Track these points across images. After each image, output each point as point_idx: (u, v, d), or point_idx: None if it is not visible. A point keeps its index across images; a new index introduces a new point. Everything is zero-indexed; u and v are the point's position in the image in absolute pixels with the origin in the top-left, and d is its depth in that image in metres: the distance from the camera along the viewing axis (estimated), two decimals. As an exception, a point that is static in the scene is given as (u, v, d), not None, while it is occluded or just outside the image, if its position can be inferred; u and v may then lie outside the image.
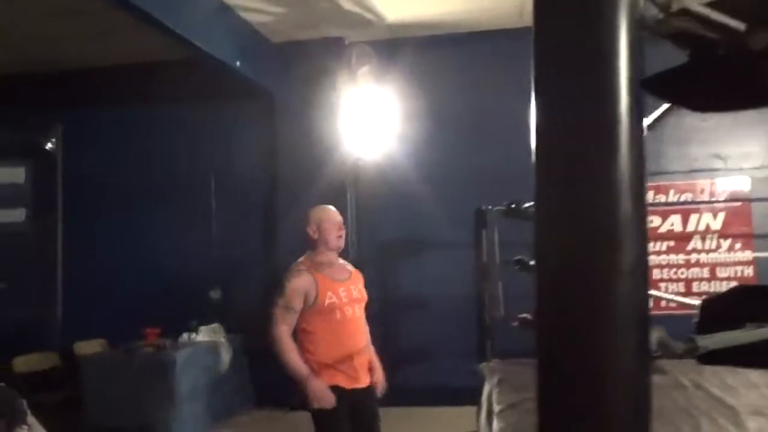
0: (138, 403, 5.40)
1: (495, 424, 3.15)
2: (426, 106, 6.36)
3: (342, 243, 3.63)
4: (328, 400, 3.26)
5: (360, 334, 3.55)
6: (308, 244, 3.61)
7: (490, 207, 5.10)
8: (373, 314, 6.58)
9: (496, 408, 3.45)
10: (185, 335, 6.05)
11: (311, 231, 3.57)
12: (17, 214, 6.86)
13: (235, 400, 6.44)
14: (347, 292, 3.52)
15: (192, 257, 6.82)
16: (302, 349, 3.36)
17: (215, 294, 6.77)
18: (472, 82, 6.35)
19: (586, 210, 0.83)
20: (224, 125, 6.85)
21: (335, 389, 3.31)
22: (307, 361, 3.32)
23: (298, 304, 3.35)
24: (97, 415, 5.40)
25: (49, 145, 6.82)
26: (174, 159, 6.89)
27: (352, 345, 3.45)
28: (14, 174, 6.90)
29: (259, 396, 6.70)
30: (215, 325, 6.27)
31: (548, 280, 0.91)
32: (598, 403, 0.87)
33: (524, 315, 4.63)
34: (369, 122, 6.21)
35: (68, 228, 6.96)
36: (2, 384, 3.48)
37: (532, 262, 4.38)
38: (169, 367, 5.47)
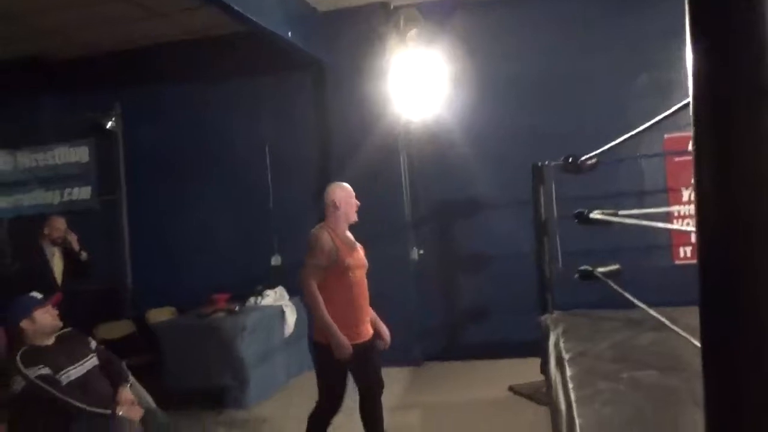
0: (211, 365, 5.67)
1: (568, 370, 3.27)
2: (475, 68, 6.38)
3: (356, 217, 4.02)
4: (348, 354, 3.64)
5: (366, 296, 3.95)
6: (328, 215, 3.94)
7: (546, 162, 5.17)
8: (433, 270, 6.78)
9: (566, 355, 3.56)
10: (252, 300, 6.30)
11: (337, 203, 3.90)
12: (84, 192, 7.16)
13: (301, 361, 6.69)
14: (359, 258, 3.92)
15: (252, 225, 7.04)
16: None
17: (276, 260, 7.00)
18: (522, 43, 6.34)
19: (744, 152, 0.86)
20: (277, 96, 6.98)
21: (324, 347, 3.70)
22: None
23: (324, 262, 3.70)
24: (175, 377, 5.70)
25: (109, 124, 7.05)
26: (229, 131, 7.07)
27: (362, 304, 3.88)
28: (79, 153, 7.18)
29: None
30: (279, 289, 6.51)
31: (710, 227, 0.91)
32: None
33: (584, 267, 4.72)
34: (418, 85, 6.26)
35: (132, 202, 7.23)
36: (102, 347, 3.74)
37: (592, 215, 4.47)
38: (239, 331, 5.71)
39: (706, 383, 0.93)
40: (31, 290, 3.68)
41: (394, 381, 6.05)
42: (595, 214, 4.60)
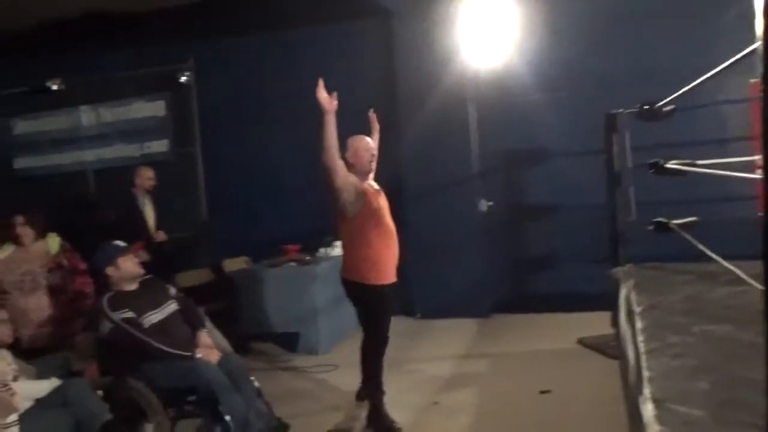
0: (284, 312, 5.88)
1: (637, 323, 3.22)
2: (546, 10, 6.17)
3: (373, 166, 4.16)
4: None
5: (396, 239, 4.02)
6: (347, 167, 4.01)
7: (620, 110, 4.99)
8: (501, 221, 6.73)
9: (637, 309, 3.50)
10: (322, 250, 6.43)
11: (348, 156, 4.06)
12: (162, 145, 7.40)
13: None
14: (384, 201, 4.06)
15: (321, 177, 7.11)
16: (359, 250, 3.90)
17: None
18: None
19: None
20: (344, 44, 6.95)
21: (383, 287, 3.91)
22: (366, 258, 3.87)
23: (350, 187, 3.89)
24: (249, 323, 5.94)
25: (183, 78, 7.22)
26: (299, 81, 7.07)
27: (394, 245, 3.99)
28: (156, 107, 7.40)
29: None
30: (348, 239, 6.60)
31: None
32: None
33: (659, 219, 4.58)
34: (488, 31, 6.11)
35: (207, 154, 7.44)
36: (181, 294, 3.93)
37: (668, 165, 4.31)
38: (311, 280, 5.87)
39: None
40: (126, 238, 3.90)
41: (461, 332, 6.13)
42: (672, 164, 4.43)
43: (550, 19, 6.15)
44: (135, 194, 6.11)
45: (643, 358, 2.72)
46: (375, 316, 4.06)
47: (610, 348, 4.83)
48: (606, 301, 4.75)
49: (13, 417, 2.91)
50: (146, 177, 6.15)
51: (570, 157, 6.26)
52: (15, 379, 3.16)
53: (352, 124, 6.96)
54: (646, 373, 2.55)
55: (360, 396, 4.13)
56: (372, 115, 4.56)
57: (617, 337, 4.14)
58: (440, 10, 6.28)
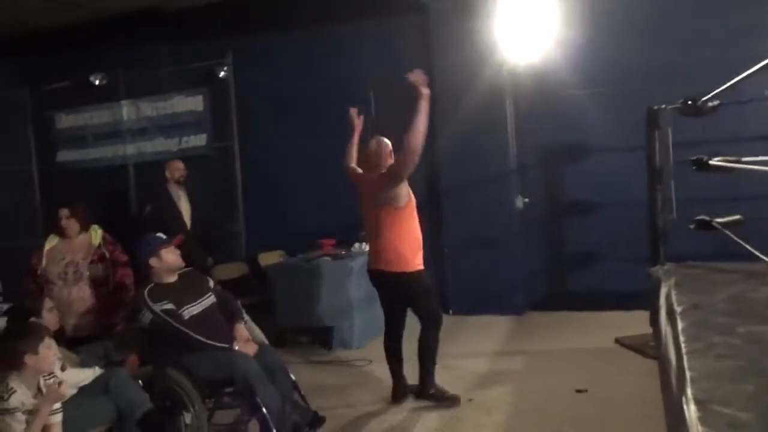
0: (318, 306, 5.91)
1: (679, 323, 3.15)
2: (585, 6, 6.08)
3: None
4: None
5: None
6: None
7: (663, 106, 4.89)
8: (538, 218, 6.67)
9: (678, 308, 3.43)
10: (357, 245, 6.44)
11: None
12: (200, 139, 7.50)
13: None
14: None
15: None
16: (407, 239, 4.22)
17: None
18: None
19: None
20: (382, 41, 6.95)
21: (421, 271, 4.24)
22: (417, 245, 4.25)
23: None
24: (285, 317, 5.99)
25: (222, 73, 7.29)
26: (335, 77, 7.13)
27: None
28: (195, 102, 7.50)
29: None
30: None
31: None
32: None
33: (702, 217, 4.49)
34: (526, 27, 6.03)
35: (244, 149, 7.51)
36: (219, 287, 3.98)
37: (712, 161, 4.22)
38: (345, 274, 5.89)
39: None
40: (162, 231, 3.97)
41: (496, 329, 6.10)
42: (716, 161, 4.33)
43: (590, 13, 6.06)
44: (168, 188, 6.20)
45: (686, 358, 2.67)
46: (430, 300, 4.34)
47: (648, 348, 4.75)
48: (645, 300, 4.67)
49: (58, 404, 2.99)
50: (176, 169, 6.25)
51: (610, 153, 6.16)
52: (62, 368, 3.23)
53: (388, 121, 7.02)
54: (689, 374, 2.50)
55: (428, 392, 4.30)
56: (353, 111, 4.94)
57: (657, 336, 4.07)
58: (478, 4, 6.23)
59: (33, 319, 3.53)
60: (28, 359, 2.91)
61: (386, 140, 4.48)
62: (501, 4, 6.05)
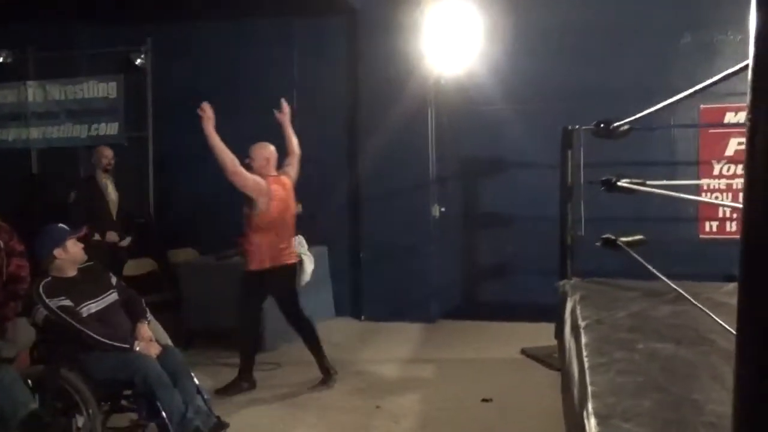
0: (229, 307, 5.72)
1: (582, 338, 3.25)
2: (511, 21, 6.22)
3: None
4: None
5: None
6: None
7: (577, 126, 5.06)
8: (454, 228, 6.74)
9: (582, 323, 3.54)
10: (271, 246, 6.32)
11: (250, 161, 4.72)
12: (112, 128, 7.16)
13: (315, 310, 6.73)
14: None
15: (275, 172, 7.02)
16: None
17: (297, 209, 6.98)
18: (560, -3, 6.18)
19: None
20: (308, 40, 6.88)
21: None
22: None
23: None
24: (193, 317, 5.80)
25: (139, 60, 7.01)
26: (259, 73, 6.99)
27: None
28: (108, 88, 7.16)
29: (339, 306, 7.01)
30: (299, 237, 6.51)
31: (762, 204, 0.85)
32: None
33: (607, 235, 4.66)
34: (452, 39, 6.12)
35: (158, 140, 7.24)
36: (122, 283, 3.79)
37: (620, 182, 4.39)
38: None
39: (739, 361, 0.90)
40: (87, 221, 3.76)
41: (408, 336, 6.12)
42: (623, 182, 4.52)
43: (515, 30, 6.21)
44: (95, 175, 5.95)
45: (588, 372, 2.74)
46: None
47: (552, 360, 4.88)
48: (553, 313, 4.81)
49: None
50: (103, 156, 5.99)
51: (527, 168, 6.32)
52: None
53: (311, 122, 6.95)
54: (590, 388, 2.56)
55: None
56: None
57: (561, 349, 4.19)
58: (407, 12, 6.26)
59: None
60: None
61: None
62: (429, 14, 6.12)
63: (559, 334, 4.32)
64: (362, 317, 6.76)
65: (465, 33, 6.07)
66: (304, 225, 6.82)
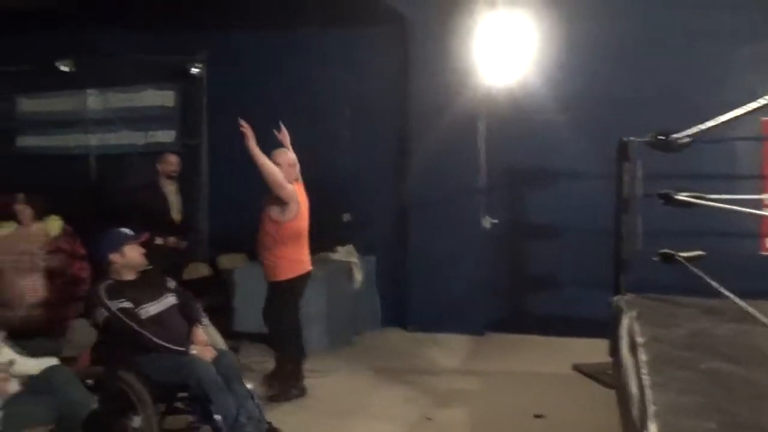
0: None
1: (641, 355, 3.17)
2: (565, 32, 6.14)
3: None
4: None
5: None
6: None
7: (633, 138, 4.96)
8: (503, 239, 6.66)
9: (640, 339, 3.46)
10: (321, 254, 6.37)
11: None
12: (168, 135, 7.33)
13: (363, 319, 6.76)
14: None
15: (326, 180, 7.06)
16: None
17: (347, 217, 7.04)
18: (616, 3, 6.07)
19: None
20: (358, 50, 6.92)
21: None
22: None
23: None
24: (243, 322, 5.86)
25: (195, 70, 7.16)
26: (311, 82, 7.07)
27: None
28: (165, 97, 7.33)
29: (385, 316, 7.00)
30: (349, 246, 6.56)
31: None
32: None
33: (666, 250, 4.56)
34: (505, 48, 6.07)
35: (212, 148, 7.37)
36: (180, 288, 3.87)
37: (678, 196, 4.28)
38: (309, 283, 5.78)
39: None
40: (148, 225, 3.85)
41: (455, 347, 6.08)
42: (682, 196, 4.41)
43: (570, 39, 6.12)
44: (158, 182, 6.09)
45: (648, 391, 2.68)
46: None
47: (606, 376, 4.78)
48: (603, 328, 4.71)
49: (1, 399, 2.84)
50: (168, 163, 6.12)
51: (579, 179, 6.22)
52: (11, 363, 3.07)
53: (361, 131, 7.00)
54: (651, 408, 2.50)
55: None
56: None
57: (616, 366, 4.09)
58: (459, 22, 6.24)
59: None
60: None
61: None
62: (481, 24, 6.09)
63: (614, 350, 4.22)
64: (409, 327, 6.73)
65: (517, 42, 6.02)
66: (352, 233, 6.87)
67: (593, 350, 5.24)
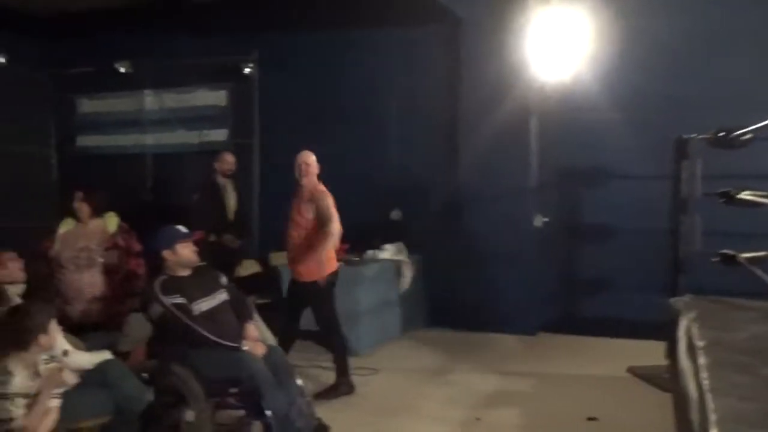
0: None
1: (701, 359, 3.07)
2: (620, 28, 6.00)
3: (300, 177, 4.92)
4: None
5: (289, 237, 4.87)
6: None
7: (693, 135, 4.81)
8: (555, 238, 6.53)
9: (699, 343, 3.35)
10: (370, 252, 6.39)
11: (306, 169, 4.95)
12: (221, 134, 7.46)
13: (414, 317, 6.75)
14: (292, 208, 4.96)
15: (375, 178, 7.09)
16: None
17: (396, 215, 7.03)
18: (673, 2, 5.91)
19: None
20: (409, 48, 6.93)
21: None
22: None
23: None
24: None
25: (247, 69, 7.27)
26: (361, 81, 7.10)
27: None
28: (217, 97, 7.47)
29: (434, 315, 6.97)
30: (399, 244, 6.55)
31: None
32: None
33: (725, 251, 4.41)
34: (558, 45, 5.96)
35: (263, 147, 7.47)
36: (231, 284, 3.92)
37: (740, 195, 4.13)
38: (356, 281, 5.83)
39: None
40: (205, 222, 3.90)
41: (506, 347, 6.00)
42: (745, 195, 4.26)
43: (624, 35, 5.98)
44: (216, 179, 6.18)
45: (708, 397, 2.59)
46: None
47: (662, 380, 4.65)
48: (658, 330, 4.57)
49: (59, 389, 2.92)
50: (225, 161, 6.21)
51: (633, 178, 6.09)
52: (65, 353, 3.16)
53: (410, 129, 6.98)
54: (713, 415, 2.41)
55: None
56: None
57: (673, 370, 3.97)
58: (511, 19, 6.16)
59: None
60: (41, 338, 2.87)
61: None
62: (534, 20, 5.99)
63: (671, 353, 4.09)
64: (459, 326, 6.69)
65: (571, 39, 5.89)
66: (402, 231, 6.86)
67: (648, 352, 5.11)
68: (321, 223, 4.68)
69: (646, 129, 5.87)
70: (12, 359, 2.85)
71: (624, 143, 6.06)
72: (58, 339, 2.97)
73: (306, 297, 4.79)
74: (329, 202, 4.75)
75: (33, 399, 2.82)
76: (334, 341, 4.84)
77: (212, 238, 5.32)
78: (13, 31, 7.67)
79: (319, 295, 4.73)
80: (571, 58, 5.99)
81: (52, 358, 3.04)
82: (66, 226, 4.38)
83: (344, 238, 6.46)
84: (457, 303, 6.70)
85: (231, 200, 6.18)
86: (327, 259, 4.72)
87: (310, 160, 4.91)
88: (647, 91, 5.99)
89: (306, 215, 4.77)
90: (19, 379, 2.83)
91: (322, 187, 4.87)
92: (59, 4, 7.49)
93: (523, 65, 6.12)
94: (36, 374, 2.91)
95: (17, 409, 2.80)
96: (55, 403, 2.93)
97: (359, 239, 6.53)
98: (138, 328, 3.96)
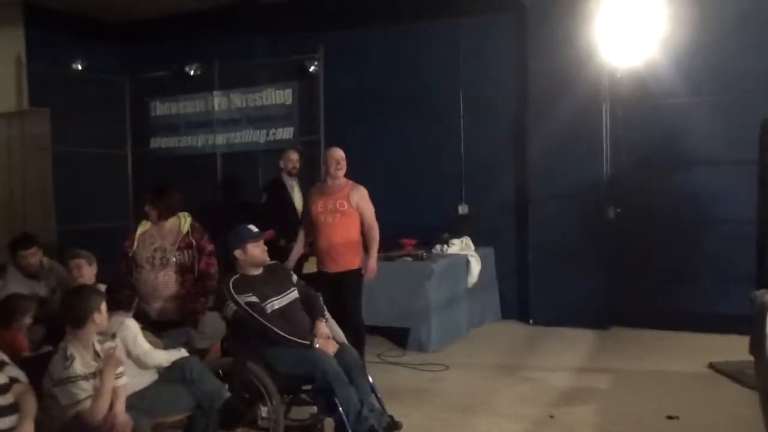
0: (396, 307, 5.82)
1: (791, 356, 2.90)
2: (694, 10, 5.75)
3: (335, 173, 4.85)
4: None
5: (332, 235, 4.72)
6: None
7: (781, 118, 4.55)
8: (629, 230, 6.32)
9: (789, 339, 3.17)
10: (438, 247, 6.35)
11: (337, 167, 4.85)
12: (287, 132, 7.55)
13: (483, 312, 6.68)
14: (324, 206, 4.73)
15: (442, 171, 7.04)
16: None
17: (463, 209, 6.98)
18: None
19: None
20: (475, 39, 6.87)
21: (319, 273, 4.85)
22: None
23: None
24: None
25: (312, 68, 7.33)
26: (426, 75, 7.07)
27: (324, 241, 4.75)
28: (284, 95, 7.55)
29: (505, 309, 6.88)
30: (466, 238, 6.49)
31: None
32: None
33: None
34: (629, 29, 5.73)
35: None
36: (302, 282, 3.96)
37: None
38: (425, 276, 5.80)
39: None
40: (272, 221, 3.93)
41: (580, 342, 5.87)
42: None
43: (700, 15, 5.73)
44: (282, 179, 6.24)
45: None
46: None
47: (746, 376, 4.44)
48: (742, 324, 4.36)
49: (120, 368, 2.98)
50: (289, 160, 6.26)
51: (713, 166, 5.84)
52: (113, 336, 3.23)
53: (477, 122, 6.89)
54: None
55: None
56: None
57: (759, 366, 3.78)
58: (579, 4, 5.99)
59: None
60: (95, 315, 2.97)
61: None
62: (603, 4, 5.79)
63: (756, 348, 3.89)
64: (530, 321, 6.58)
65: (644, 21, 5.65)
66: (469, 225, 6.79)
67: (730, 347, 4.92)
68: (370, 216, 4.81)
69: (726, 113, 5.64)
70: (70, 342, 2.94)
71: (703, 129, 5.84)
72: (106, 318, 3.05)
73: (345, 288, 4.71)
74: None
75: (97, 380, 2.88)
76: (364, 334, 4.74)
77: (282, 243, 5.36)
78: (91, 38, 7.99)
79: (359, 284, 4.74)
80: (644, 42, 5.75)
81: (104, 339, 3.10)
82: (143, 227, 4.51)
83: (412, 234, 6.52)
84: (530, 296, 6.60)
85: (297, 198, 6.24)
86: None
87: (343, 156, 4.94)
88: (726, 74, 5.75)
89: (341, 208, 4.76)
90: (80, 362, 2.91)
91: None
92: (135, 12, 7.75)
93: (592, 52, 5.95)
94: (96, 355, 2.99)
95: (83, 392, 2.87)
96: (122, 380, 3.00)
97: (427, 234, 6.51)
98: (213, 326, 4.05)
